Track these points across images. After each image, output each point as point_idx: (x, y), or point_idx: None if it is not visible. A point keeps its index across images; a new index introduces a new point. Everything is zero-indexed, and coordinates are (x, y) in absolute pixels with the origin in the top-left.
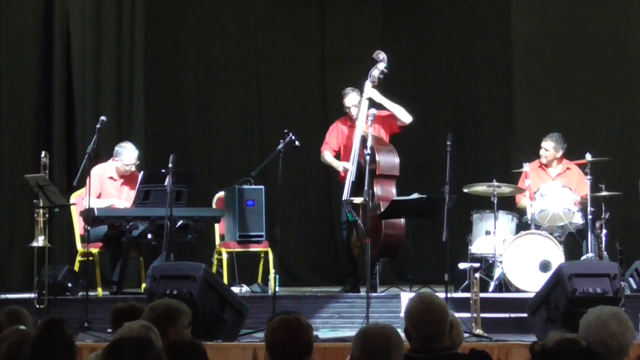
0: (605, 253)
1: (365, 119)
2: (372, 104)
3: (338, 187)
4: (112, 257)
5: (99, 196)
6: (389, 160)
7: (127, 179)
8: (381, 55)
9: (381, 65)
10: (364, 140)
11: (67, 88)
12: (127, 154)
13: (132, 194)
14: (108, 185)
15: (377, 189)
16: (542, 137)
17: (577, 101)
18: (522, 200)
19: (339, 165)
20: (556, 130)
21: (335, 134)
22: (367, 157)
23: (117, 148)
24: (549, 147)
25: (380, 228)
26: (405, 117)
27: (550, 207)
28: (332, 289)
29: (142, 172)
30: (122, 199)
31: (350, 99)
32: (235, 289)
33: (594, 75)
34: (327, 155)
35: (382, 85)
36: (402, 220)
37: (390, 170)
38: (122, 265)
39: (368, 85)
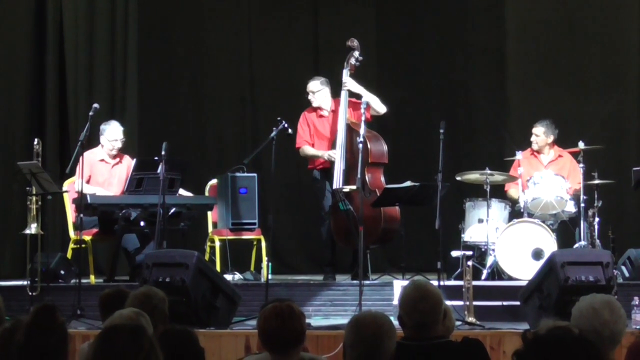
0: (597, 241)
1: (348, 106)
2: (351, 93)
3: (309, 174)
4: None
5: (88, 180)
6: (379, 147)
7: (119, 162)
8: (355, 42)
9: (356, 53)
10: (349, 128)
11: (60, 76)
12: (111, 129)
13: (124, 178)
14: (99, 168)
15: (369, 177)
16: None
17: (570, 89)
18: (511, 190)
19: (323, 154)
20: (549, 118)
21: (305, 127)
22: (360, 145)
23: (101, 126)
24: (540, 133)
25: (379, 220)
26: (379, 107)
27: (543, 195)
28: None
29: (134, 160)
30: (114, 183)
31: (313, 85)
32: (228, 277)
33: (587, 64)
34: (308, 149)
35: (375, 72)
36: (398, 212)
37: (380, 157)
38: (114, 253)
39: (346, 73)
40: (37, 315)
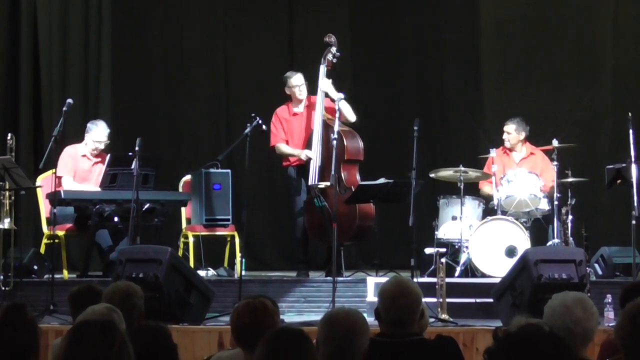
0: (571, 239)
1: (324, 103)
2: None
3: (283, 172)
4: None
5: (74, 176)
6: (355, 145)
7: (100, 161)
8: (332, 38)
9: (333, 49)
10: (326, 125)
11: (34, 70)
12: (98, 130)
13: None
14: (82, 164)
15: (345, 174)
16: None
17: (545, 87)
18: (485, 187)
19: (300, 153)
20: (523, 116)
21: (278, 125)
22: (334, 142)
23: (88, 124)
24: (511, 130)
25: (354, 217)
26: (350, 115)
27: (517, 193)
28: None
29: (108, 155)
30: (92, 180)
31: (297, 79)
32: (202, 273)
33: (561, 62)
34: (284, 147)
35: (349, 70)
36: (373, 209)
37: (356, 154)
38: (88, 249)
39: (323, 69)
40: (6, 314)
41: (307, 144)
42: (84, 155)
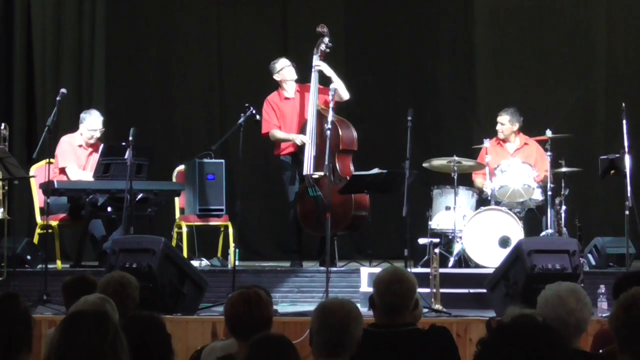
0: (564, 229)
1: (318, 92)
2: (322, 76)
3: (276, 161)
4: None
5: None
6: (349, 134)
7: (95, 149)
8: (325, 29)
9: (326, 39)
10: (319, 114)
11: (28, 60)
12: (92, 118)
13: None
14: (79, 154)
15: (339, 164)
16: None
17: (539, 78)
18: (477, 179)
19: (295, 137)
20: (516, 106)
21: (271, 111)
22: (328, 132)
23: (82, 114)
24: (505, 121)
25: (350, 207)
26: (344, 93)
27: (510, 183)
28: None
29: (102, 145)
30: (88, 169)
31: (282, 62)
32: (195, 263)
33: (555, 52)
34: (278, 132)
35: (343, 59)
36: (368, 199)
37: (350, 144)
38: (81, 239)
39: (316, 59)
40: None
41: (301, 131)
42: (80, 145)
